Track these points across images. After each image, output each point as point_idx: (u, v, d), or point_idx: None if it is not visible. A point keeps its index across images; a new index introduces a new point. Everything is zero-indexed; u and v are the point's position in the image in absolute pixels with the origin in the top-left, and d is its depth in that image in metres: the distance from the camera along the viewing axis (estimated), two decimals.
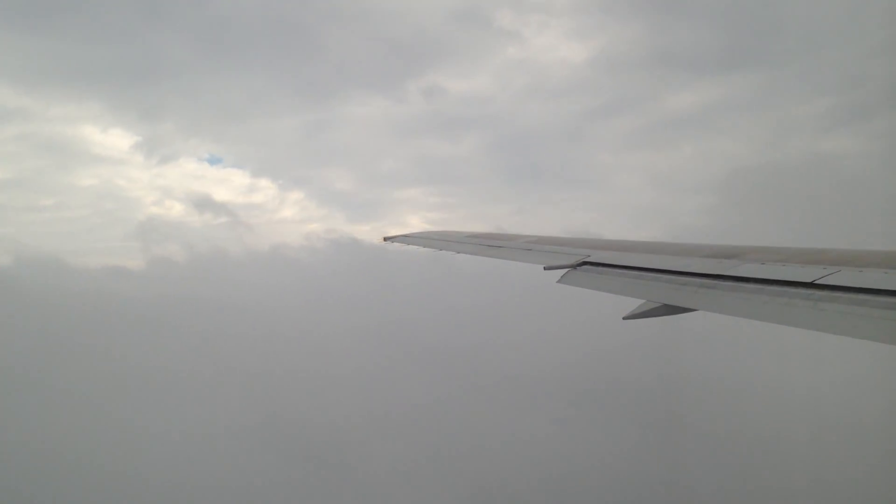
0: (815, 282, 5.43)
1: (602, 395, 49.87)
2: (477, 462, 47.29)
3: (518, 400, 52.35)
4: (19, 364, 51.35)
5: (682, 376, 46.96)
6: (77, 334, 58.78)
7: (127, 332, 61.32)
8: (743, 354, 41.52)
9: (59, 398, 48.00)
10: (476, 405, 52.24)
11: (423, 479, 45.92)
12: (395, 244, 14.87)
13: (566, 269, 8.65)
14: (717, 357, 43.84)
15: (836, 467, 38.83)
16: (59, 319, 60.98)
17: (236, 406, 51.60)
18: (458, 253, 11.92)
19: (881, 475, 36.20)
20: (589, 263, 8.65)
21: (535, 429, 49.79)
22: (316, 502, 43.95)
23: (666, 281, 7.13)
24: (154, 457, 44.71)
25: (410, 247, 14.53)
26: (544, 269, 8.89)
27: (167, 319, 65.63)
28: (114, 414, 47.83)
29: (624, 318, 6.85)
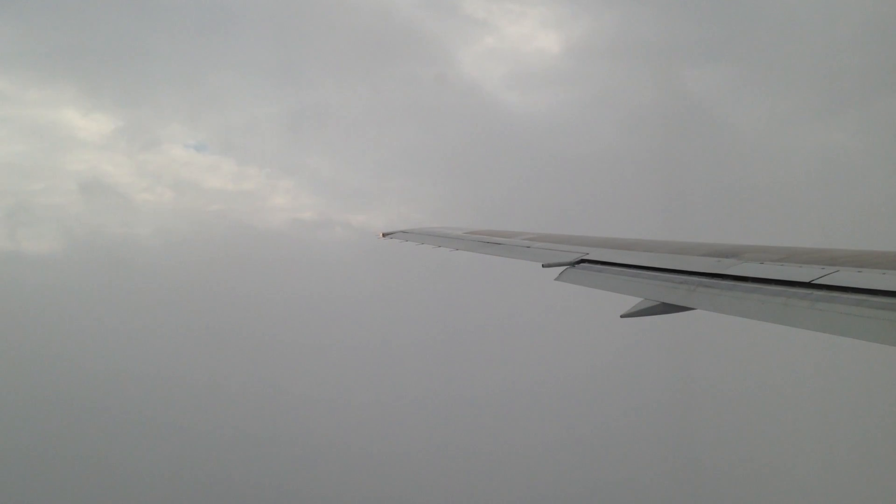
0: (814, 282, 5.42)
1: (599, 393, 49.90)
2: (471, 462, 47.31)
3: (513, 398, 52.36)
4: None
5: (678, 375, 46.99)
6: None
7: None
8: (740, 354, 41.56)
9: None
10: (470, 404, 52.23)
11: (416, 479, 45.94)
12: (394, 240, 14.86)
13: (564, 267, 8.64)
14: (715, 356, 43.88)
15: (834, 467, 38.88)
16: None
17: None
18: (456, 250, 11.90)
19: (879, 475, 36.26)
20: (587, 261, 8.63)
21: (529, 427, 49.81)
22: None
23: (664, 279, 7.12)
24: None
25: (393, 241, 14.58)
26: (542, 266, 8.87)
27: None
28: None
29: (622, 317, 6.83)
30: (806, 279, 5.52)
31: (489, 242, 11.58)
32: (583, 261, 8.68)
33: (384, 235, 15.33)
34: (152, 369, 54.59)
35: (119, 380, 53.29)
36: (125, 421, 49.31)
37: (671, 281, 6.98)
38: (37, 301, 60.93)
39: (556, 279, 8.44)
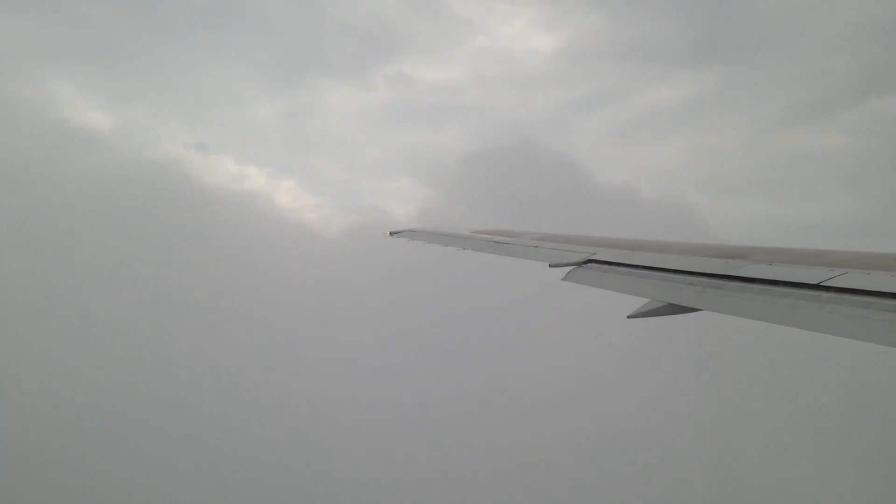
0: (822, 283, 5.42)
1: (604, 393, 49.81)
2: (475, 462, 47.29)
3: (518, 398, 52.32)
4: None
5: (685, 376, 46.84)
6: None
7: None
8: (748, 355, 41.40)
9: None
10: (474, 404, 52.23)
11: (418, 480, 45.97)
12: (401, 239, 14.89)
13: (571, 267, 8.65)
14: (722, 358, 43.72)
15: (839, 470, 38.72)
16: None
17: None
18: (463, 249, 11.93)
19: (884, 478, 36.11)
20: (594, 261, 8.64)
21: (533, 427, 49.78)
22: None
23: (671, 280, 7.13)
24: None
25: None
26: (549, 266, 8.88)
27: None
28: None
29: (628, 317, 6.84)
30: (814, 281, 5.52)
31: (496, 242, 11.60)
32: (590, 261, 8.68)
33: (391, 234, 15.37)
34: (156, 366, 54.72)
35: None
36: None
37: (678, 282, 6.98)
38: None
39: (563, 279, 8.44)
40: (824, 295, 5.30)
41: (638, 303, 6.93)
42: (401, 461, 47.62)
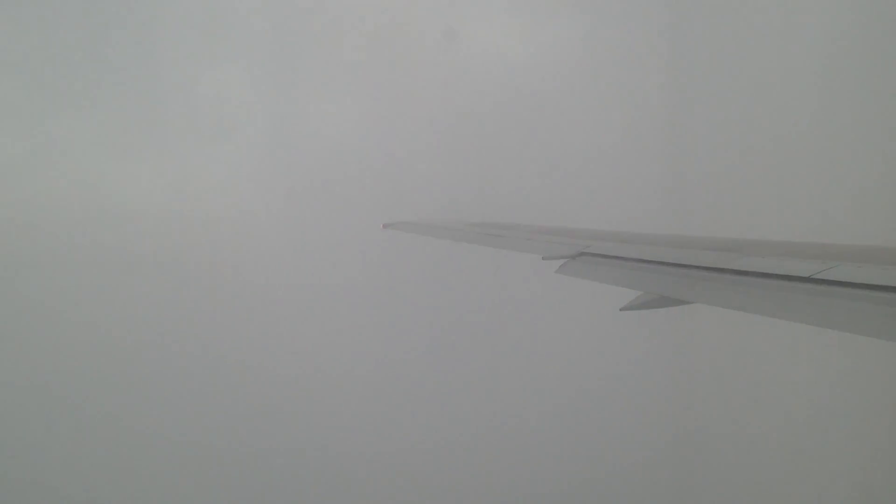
0: (814, 276, 5.44)
1: (597, 389, 49.94)
2: (469, 461, 47.31)
3: (510, 394, 52.38)
4: None
5: (677, 369, 47.01)
6: None
7: None
8: (740, 348, 41.56)
9: None
10: (466, 399, 52.20)
11: (412, 479, 45.99)
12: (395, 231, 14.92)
13: (565, 260, 8.66)
14: (714, 350, 43.90)
15: (833, 466, 38.95)
16: None
17: None
18: (458, 241, 11.96)
19: (879, 474, 36.33)
20: (588, 254, 8.65)
21: (526, 424, 49.84)
22: None
23: (664, 273, 7.15)
24: None
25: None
26: (542, 258, 8.90)
27: None
28: None
29: (621, 310, 6.87)
30: (806, 274, 5.54)
31: (491, 234, 11.63)
32: (584, 253, 8.70)
33: (385, 227, 15.39)
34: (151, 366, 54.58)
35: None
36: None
37: (672, 274, 7.01)
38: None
39: (556, 271, 8.47)
40: (816, 288, 5.32)
41: (631, 295, 6.95)
42: (392, 458, 47.60)
